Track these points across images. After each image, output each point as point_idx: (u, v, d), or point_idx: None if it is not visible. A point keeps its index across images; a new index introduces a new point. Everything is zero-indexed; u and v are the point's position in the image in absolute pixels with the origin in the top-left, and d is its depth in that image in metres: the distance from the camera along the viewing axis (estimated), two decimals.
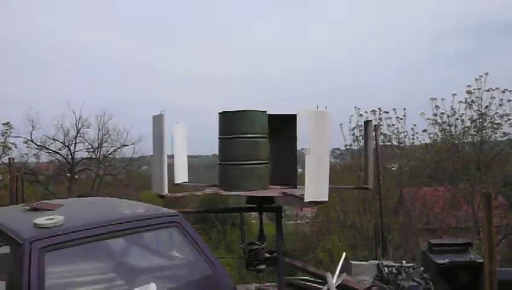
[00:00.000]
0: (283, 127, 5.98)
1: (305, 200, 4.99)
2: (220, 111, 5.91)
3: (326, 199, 5.06)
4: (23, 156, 20.99)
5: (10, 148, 18.14)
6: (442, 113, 13.24)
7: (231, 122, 5.79)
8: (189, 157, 6.62)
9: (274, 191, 5.80)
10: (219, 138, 5.93)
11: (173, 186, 6.20)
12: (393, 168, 14.51)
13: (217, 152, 6.09)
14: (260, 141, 5.81)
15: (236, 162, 5.72)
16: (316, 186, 4.95)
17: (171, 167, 5.84)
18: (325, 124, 5.09)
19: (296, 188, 6.03)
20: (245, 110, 5.78)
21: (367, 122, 6.43)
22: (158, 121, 5.60)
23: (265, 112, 5.92)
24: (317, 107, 5.09)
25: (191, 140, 6.60)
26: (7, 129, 17.41)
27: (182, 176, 6.37)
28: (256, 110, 5.85)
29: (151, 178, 6.00)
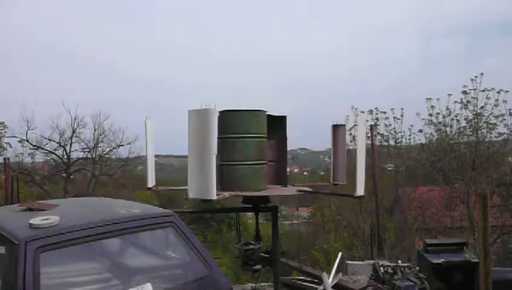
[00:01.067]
0: (272, 127, 5.98)
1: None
2: (222, 110, 5.66)
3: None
4: (18, 156, 20.89)
5: (5, 149, 18.04)
6: (438, 114, 13.29)
7: (241, 122, 5.68)
8: (179, 157, 6.59)
9: (290, 190, 5.90)
10: (220, 138, 5.67)
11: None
12: (389, 168, 14.55)
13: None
14: (264, 140, 5.80)
15: (247, 162, 5.63)
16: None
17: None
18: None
19: (287, 187, 6.08)
20: (251, 110, 5.71)
21: (337, 126, 6.39)
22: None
23: (266, 111, 5.88)
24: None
25: (183, 140, 6.47)
26: (1, 129, 17.30)
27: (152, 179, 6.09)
28: (260, 110, 5.80)
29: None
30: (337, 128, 6.41)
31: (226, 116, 5.66)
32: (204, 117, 4.81)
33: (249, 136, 5.62)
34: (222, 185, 5.64)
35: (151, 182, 5.96)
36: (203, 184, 4.76)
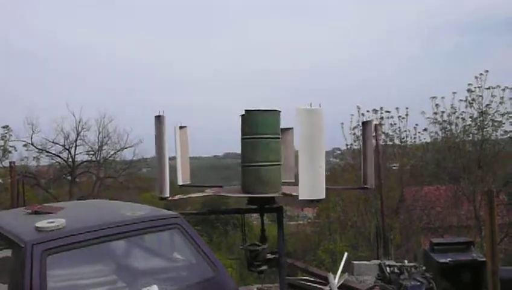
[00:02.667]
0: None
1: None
2: (244, 110, 5.63)
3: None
4: (23, 160, 20.99)
5: (10, 152, 18.15)
6: (443, 112, 13.25)
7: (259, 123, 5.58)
8: (189, 158, 6.57)
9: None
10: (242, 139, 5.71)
11: (179, 188, 6.19)
12: (394, 168, 14.50)
13: (217, 153, 6.02)
14: (279, 141, 5.76)
15: (270, 163, 5.57)
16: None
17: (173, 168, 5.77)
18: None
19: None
20: (269, 110, 5.63)
21: (366, 123, 6.42)
22: (159, 121, 5.47)
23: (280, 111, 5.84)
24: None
25: (190, 141, 6.54)
26: (6, 132, 17.41)
27: (185, 177, 6.29)
28: (276, 110, 5.73)
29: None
30: (365, 125, 6.31)
31: (245, 118, 5.61)
32: (315, 116, 4.95)
33: (268, 137, 5.55)
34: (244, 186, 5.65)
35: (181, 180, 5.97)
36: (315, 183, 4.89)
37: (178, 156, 6.12)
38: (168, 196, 5.41)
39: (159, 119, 5.47)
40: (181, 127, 6.24)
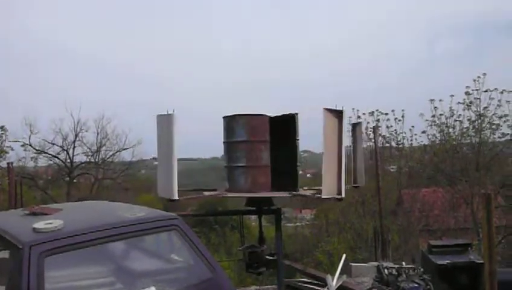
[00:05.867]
0: (280, 129, 5.98)
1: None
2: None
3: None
4: (21, 160, 20.94)
5: (7, 152, 18.08)
6: (441, 115, 13.27)
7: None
8: (188, 160, 6.59)
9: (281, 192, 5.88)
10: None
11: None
12: (392, 170, 14.51)
13: (215, 155, 6.10)
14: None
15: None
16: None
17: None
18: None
19: (297, 190, 6.03)
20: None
21: (355, 124, 6.76)
22: (166, 121, 5.30)
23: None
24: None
25: (190, 143, 6.56)
26: (2, 133, 17.35)
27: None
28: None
29: (158, 182, 5.60)
30: (355, 127, 6.68)
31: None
32: (337, 119, 5.19)
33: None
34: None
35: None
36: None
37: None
38: (177, 197, 5.29)
39: (167, 119, 5.29)
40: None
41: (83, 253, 3.07)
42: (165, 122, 5.35)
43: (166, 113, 5.31)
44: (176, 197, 5.24)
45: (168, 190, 5.30)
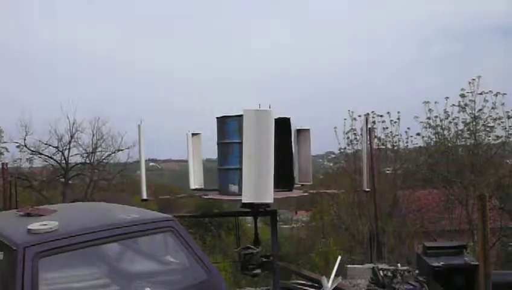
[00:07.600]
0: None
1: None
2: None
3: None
4: (16, 161, 20.85)
5: (2, 153, 18.02)
6: (436, 117, 13.31)
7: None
8: (181, 161, 6.66)
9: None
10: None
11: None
12: (387, 172, 14.53)
13: (209, 156, 6.12)
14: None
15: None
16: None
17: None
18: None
19: (292, 191, 6.06)
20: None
21: (370, 130, 6.78)
22: (262, 117, 5.08)
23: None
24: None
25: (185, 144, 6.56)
26: None
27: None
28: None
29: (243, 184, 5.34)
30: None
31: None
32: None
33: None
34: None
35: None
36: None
37: (190, 161, 6.20)
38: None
39: (265, 115, 5.13)
40: (194, 134, 6.36)
41: (77, 254, 3.06)
42: (261, 119, 5.06)
43: (258, 108, 5.13)
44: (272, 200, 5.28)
45: (261, 193, 5.11)
